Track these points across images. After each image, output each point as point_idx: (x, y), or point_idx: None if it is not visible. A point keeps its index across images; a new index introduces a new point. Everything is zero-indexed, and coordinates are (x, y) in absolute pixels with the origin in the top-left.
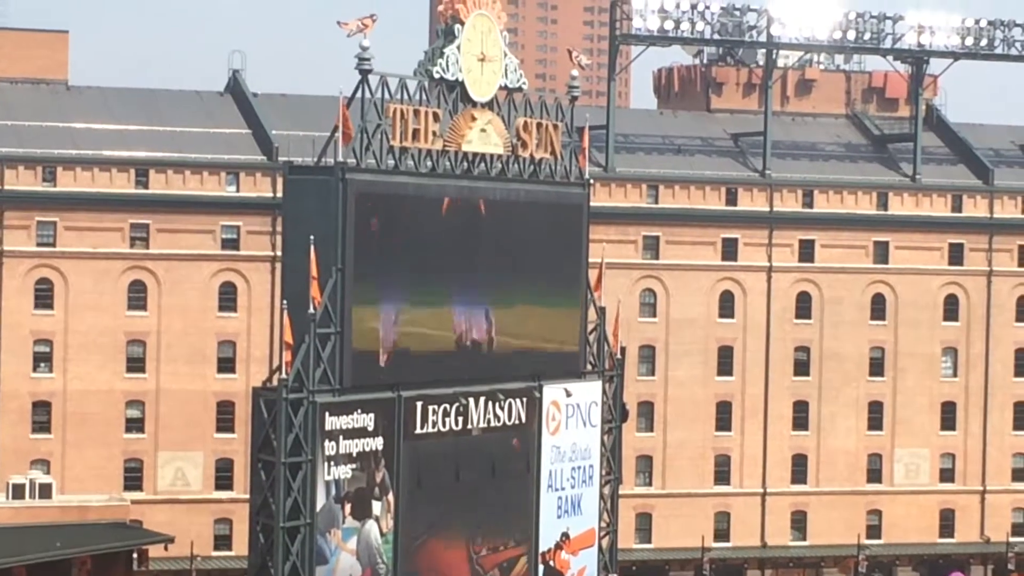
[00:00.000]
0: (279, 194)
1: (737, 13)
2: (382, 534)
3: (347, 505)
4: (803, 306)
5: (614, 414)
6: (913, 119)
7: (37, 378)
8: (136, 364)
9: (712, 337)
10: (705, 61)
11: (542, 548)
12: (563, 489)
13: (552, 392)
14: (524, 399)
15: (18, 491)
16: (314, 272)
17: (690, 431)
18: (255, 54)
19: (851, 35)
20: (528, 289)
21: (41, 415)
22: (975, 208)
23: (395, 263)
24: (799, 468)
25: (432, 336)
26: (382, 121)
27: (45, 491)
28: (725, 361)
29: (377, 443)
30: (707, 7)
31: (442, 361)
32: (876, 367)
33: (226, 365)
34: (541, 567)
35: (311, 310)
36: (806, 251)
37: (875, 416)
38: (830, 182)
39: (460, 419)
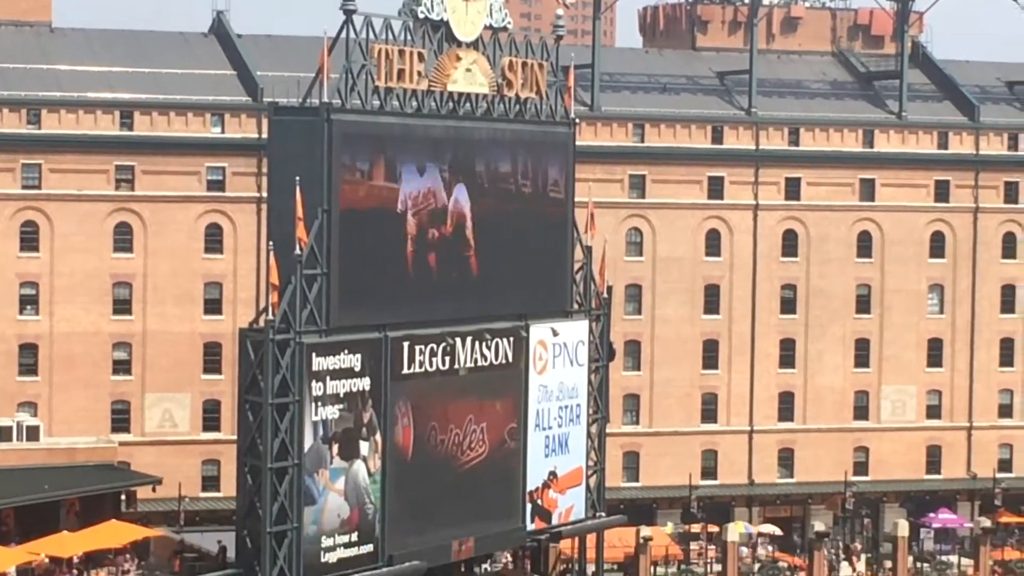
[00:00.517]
0: (264, 135)
1: None
2: (370, 474)
3: (335, 445)
4: (789, 244)
5: (601, 353)
6: (899, 56)
7: (23, 320)
8: (123, 306)
9: (699, 276)
10: None
11: (530, 487)
12: (550, 428)
13: (539, 331)
14: (511, 338)
15: (5, 433)
16: (300, 213)
17: (677, 369)
18: None
19: None
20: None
21: (28, 357)
22: (961, 145)
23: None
24: (786, 406)
25: None
26: (367, 61)
27: (32, 433)
28: (712, 299)
29: (364, 383)
30: None
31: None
32: (863, 304)
33: (213, 306)
34: (529, 506)
35: (297, 251)
36: (792, 189)
37: (862, 353)
38: (816, 120)
39: (447, 359)
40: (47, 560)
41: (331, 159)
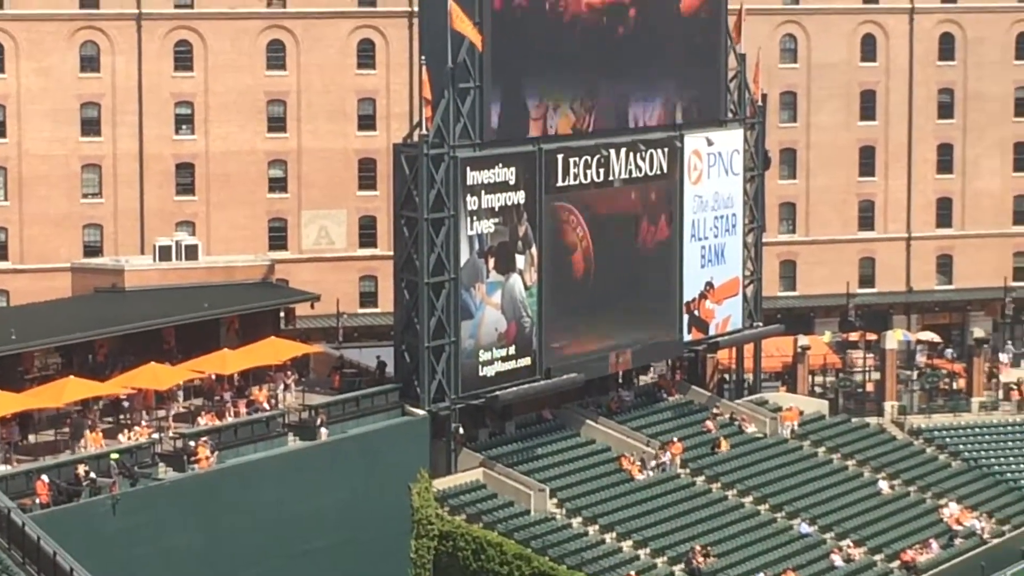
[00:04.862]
0: None
1: None
2: (526, 287)
3: (490, 259)
4: (946, 47)
5: (756, 162)
6: None
7: (179, 140)
8: (277, 124)
9: (854, 81)
10: None
11: (686, 298)
12: (706, 238)
13: (693, 141)
14: (665, 149)
15: (164, 253)
16: (464, 22)
17: (833, 177)
18: None
19: None
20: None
21: (185, 177)
22: None
23: None
24: (944, 212)
25: None
26: None
27: (191, 252)
28: (868, 105)
29: (519, 197)
30: None
31: None
32: (1021, 107)
33: (366, 122)
34: (686, 316)
35: (449, 64)
36: None
37: (1021, 157)
38: None
39: (601, 171)
40: (213, 377)
41: None
